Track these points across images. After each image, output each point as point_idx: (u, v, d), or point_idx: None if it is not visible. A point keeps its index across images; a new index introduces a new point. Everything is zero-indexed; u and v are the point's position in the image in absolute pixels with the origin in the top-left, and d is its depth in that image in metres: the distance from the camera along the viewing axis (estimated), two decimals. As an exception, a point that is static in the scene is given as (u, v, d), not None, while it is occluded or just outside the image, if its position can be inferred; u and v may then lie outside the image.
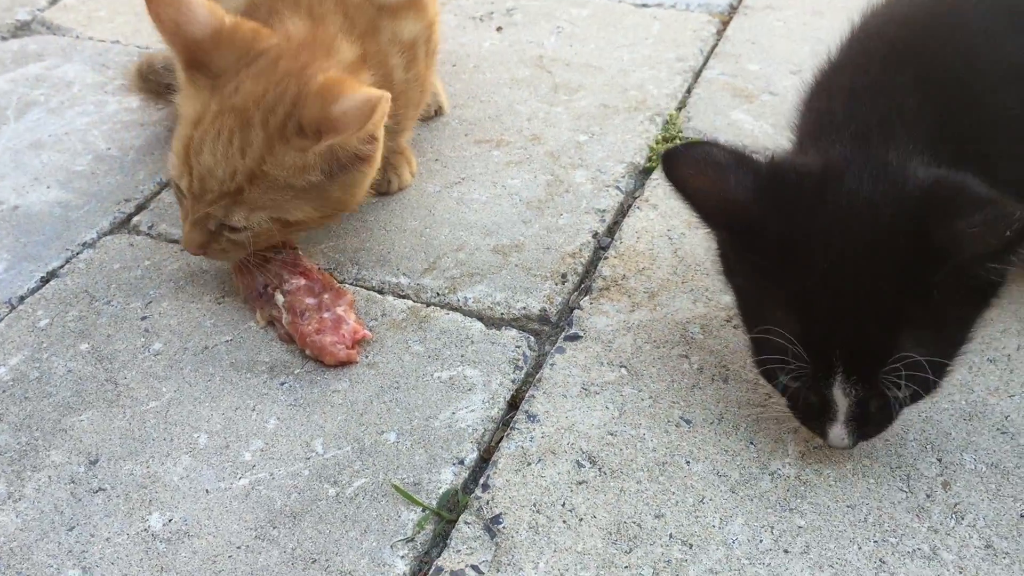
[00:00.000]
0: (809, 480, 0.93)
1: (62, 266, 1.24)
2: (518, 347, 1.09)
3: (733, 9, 1.78)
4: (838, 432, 0.87)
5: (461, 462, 0.97)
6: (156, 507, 0.94)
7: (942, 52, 0.95)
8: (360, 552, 0.89)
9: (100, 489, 0.96)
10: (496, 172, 1.37)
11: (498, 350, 1.09)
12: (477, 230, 1.27)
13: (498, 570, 0.87)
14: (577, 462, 0.96)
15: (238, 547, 0.90)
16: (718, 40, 1.69)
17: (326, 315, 1.09)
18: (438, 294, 1.17)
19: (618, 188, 1.33)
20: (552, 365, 1.07)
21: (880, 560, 0.86)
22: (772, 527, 0.90)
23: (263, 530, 0.91)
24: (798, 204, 0.85)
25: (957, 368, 0.88)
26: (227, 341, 1.12)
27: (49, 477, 0.97)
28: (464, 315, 1.14)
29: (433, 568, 0.87)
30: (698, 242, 1.19)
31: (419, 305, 1.16)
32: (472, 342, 1.10)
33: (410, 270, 1.21)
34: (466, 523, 0.91)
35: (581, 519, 0.91)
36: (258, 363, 1.09)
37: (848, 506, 0.91)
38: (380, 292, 1.18)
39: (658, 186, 1.33)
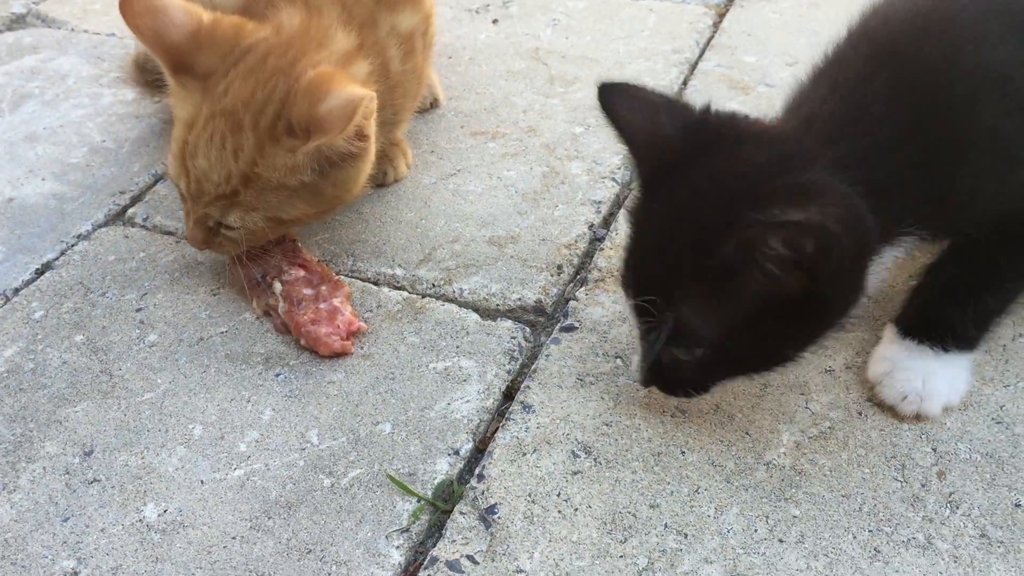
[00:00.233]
0: (804, 470, 0.93)
1: (57, 258, 1.24)
2: (513, 338, 1.09)
3: (729, 1, 1.78)
4: (635, 365, 0.95)
5: (456, 452, 0.97)
6: (151, 498, 0.93)
7: (925, 58, 0.90)
8: (355, 542, 0.89)
9: (95, 480, 0.95)
10: (492, 164, 1.37)
11: (493, 341, 1.09)
12: (473, 222, 1.27)
13: (493, 560, 0.87)
14: (572, 452, 0.96)
15: (233, 538, 0.90)
16: (714, 32, 1.68)
17: (322, 306, 1.09)
18: (434, 285, 1.17)
19: (614, 179, 1.33)
20: (547, 356, 1.07)
21: (875, 549, 0.86)
22: (767, 517, 0.90)
23: (258, 521, 0.91)
24: (696, 156, 0.86)
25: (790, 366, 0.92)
26: (222, 332, 1.12)
27: (44, 468, 0.97)
28: (459, 306, 1.14)
29: (428, 558, 0.87)
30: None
31: (414, 296, 1.16)
32: (467, 333, 1.10)
33: (406, 261, 1.21)
34: (461, 513, 0.91)
35: (576, 509, 0.91)
36: (253, 354, 1.09)
37: (843, 496, 0.91)
38: (375, 283, 1.18)
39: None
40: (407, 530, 0.90)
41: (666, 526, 0.89)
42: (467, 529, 0.90)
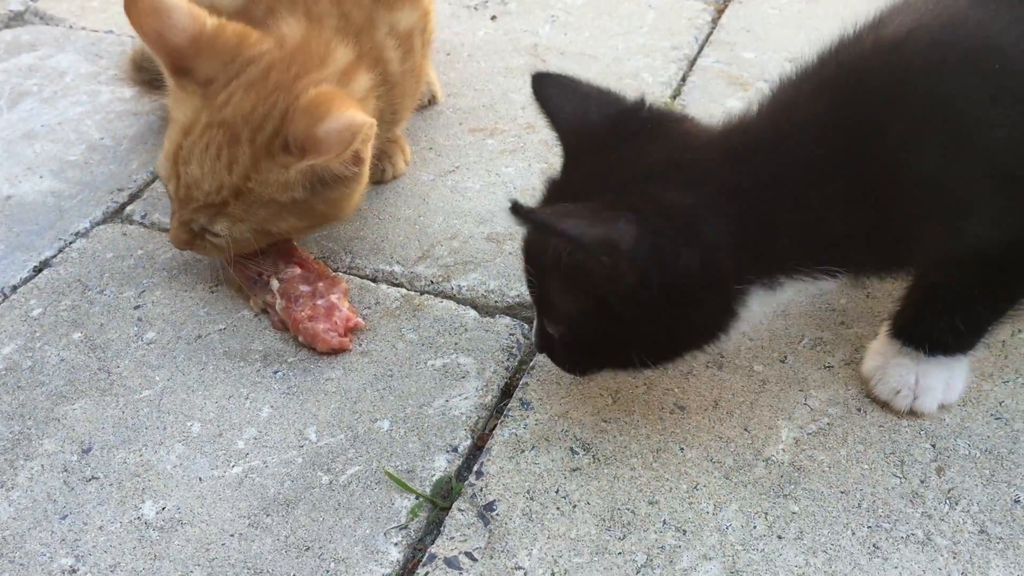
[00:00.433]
0: (803, 466, 0.93)
1: (55, 255, 1.24)
2: (512, 335, 1.09)
3: (728, -3, 1.77)
4: (532, 331, 0.98)
5: (455, 449, 0.97)
6: (149, 495, 0.93)
7: (865, 91, 0.83)
8: (354, 539, 0.89)
9: (93, 478, 0.95)
10: (490, 161, 1.37)
11: (492, 338, 1.09)
12: (471, 218, 1.26)
13: (492, 556, 0.87)
14: (571, 449, 0.96)
15: (231, 535, 0.90)
16: (713, 28, 1.68)
17: (319, 302, 1.09)
18: (432, 282, 1.17)
19: (613, 176, 1.32)
20: (546, 353, 1.07)
21: (874, 546, 0.86)
22: (766, 513, 0.89)
23: (256, 518, 0.91)
24: (608, 146, 0.88)
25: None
26: (220, 330, 1.11)
27: (42, 466, 0.97)
28: (458, 303, 1.14)
29: (427, 555, 0.87)
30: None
31: (413, 293, 1.16)
32: (466, 330, 1.10)
33: (404, 258, 1.21)
34: (460, 510, 0.91)
35: (575, 506, 0.91)
36: (251, 352, 1.08)
37: (842, 492, 0.91)
38: (374, 280, 1.18)
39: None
40: (405, 527, 0.90)
41: (665, 523, 0.89)
42: (465, 526, 0.89)
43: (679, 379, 1.03)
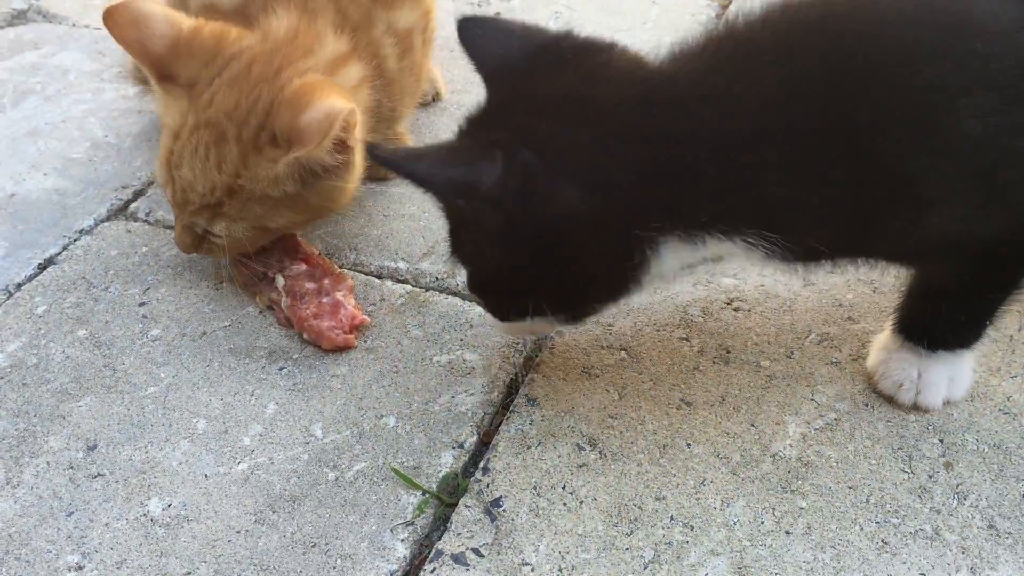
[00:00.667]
0: (810, 461, 0.93)
1: (59, 253, 1.23)
2: (518, 331, 1.09)
3: (732, -7, 1.77)
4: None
5: (461, 446, 0.96)
6: (155, 492, 0.93)
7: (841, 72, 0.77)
8: (360, 536, 0.88)
9: (99, 474, 0.95)
10: (495, 157, 1.36)
11: (497, 334, 1.08)
12: (476, 215, 1.26)
13: (499, 553, 0.86)
14: (577, 445, 0.96)
15: (237, 531, 0.89)
16: (717, 23, 1.67)
17: (325, 299, 1.08)
18: (437, 279, 1.17)
19: (617, 172, 1.32)
20: (551, 348, 1.06)
21: (882, 541, 0.86)
22: (773, 508, 0.89)
23: (262, 514, 0.91)
24: (523, 79, 0.85)
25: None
26: (225, 327, 1.11)
27: (48, 463, 0.96)
28: (463, 299, 1.14)
29: (434, 551, 0.87)
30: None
31: (418, 290, 1.15)
32: (471, 326, 1.10)
33: (408, 255, 1.20)
34: (466, 506, 0.91)
35: (582, 502, 0.91)
36: (257, 348, 1.08)
37: (850, 487, 0.91)
38: (379, 277, 1.18)
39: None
40: (412, 523, 0.90)
41: (672, 518, 0.89)
42: (472, 522, 0.89)
43: (685, 375, 1.02)
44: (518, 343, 1.07)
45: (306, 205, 1.07)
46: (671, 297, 1.12)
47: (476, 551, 0.87)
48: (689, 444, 0.95)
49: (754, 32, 0.82)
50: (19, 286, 1.18)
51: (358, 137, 1.03)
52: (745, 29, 0.83)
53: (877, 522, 0.88)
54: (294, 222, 1.09)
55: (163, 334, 1.11)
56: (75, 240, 1.25)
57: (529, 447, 0.96)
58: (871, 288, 1.11)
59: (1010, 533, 0.86)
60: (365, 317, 1.09)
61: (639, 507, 0.90)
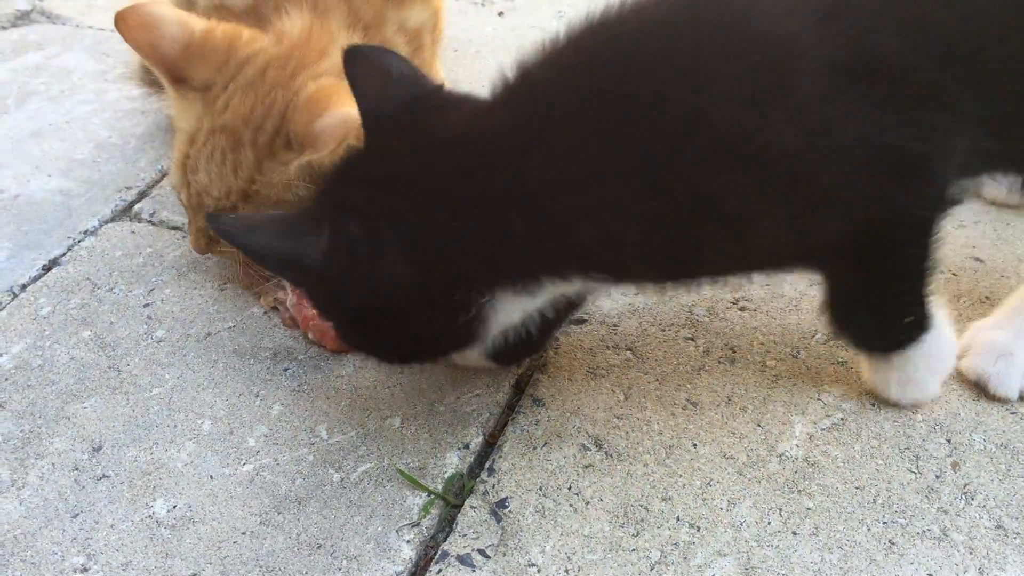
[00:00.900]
0: (817, 462, 0.93)
1: (64, 254, 1.23)
2: (523, 331, 1.09)
3: (736, -8, 1.76)
4: None
5: (466, 446, 0.96)
6: (160, 493, 0.93)
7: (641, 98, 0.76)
8: (366, 537, 0.88)
9: (104, 476, 0.95)
10: (499, 157, 1.36)
11: (503, 334, 1.08)
12: (480, 215, 1.26)
13: (505, 554, 0.86)
14: (583, 445, 0.96)
15: (243, 533, 0.89)
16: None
17: (329, 300, 1.08)
18: (442, 279, 1.17)
19: (622, 172, 1.32)
20: (557, 349, 1.06)
21: (889, 541, 0.86)
22: (780, 509, 0.89)
23: (268, 516, 0.91)
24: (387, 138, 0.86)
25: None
26: (230, 328, 1.11)
27: (52, 464, 0.96)
28: (468, 300, 1.13)
29: (439, 552, 0.87)
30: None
31: (423, 290, 1.15)
32: (476, 327, 1.09)
33: (413, 255, 1.20)
34: (472, 507, 0.90)
35: (588, 502, 0.90)
36: (261, 349, 1.08)
37: (856, 487, 0.90)
38: (383, 277, 1.17)
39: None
40: (418, 524, 0.89)
41: (678, 519, 0.88)
42: (478, 523, 0.89)
43: (691, 375, 1.02)
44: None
45: None
46: (676, 296, 1.12)
47: (482, 552, 0.87)
48: (695, 444, 0.95)
49: (546, 73, 0.82)
50: (24, 287, 1.18)
51: None
52: (538, 71, 0.83)
53: (884, 522, 0.87)
54: None
55: (168, 335, 1.10)
56: (79, 241, 1.25)
57: (535, 448, 0.96)
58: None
59: (1018, 533, 0.86)
60: (370, 317, 1.09)
61: (645, 508, 0.90)
